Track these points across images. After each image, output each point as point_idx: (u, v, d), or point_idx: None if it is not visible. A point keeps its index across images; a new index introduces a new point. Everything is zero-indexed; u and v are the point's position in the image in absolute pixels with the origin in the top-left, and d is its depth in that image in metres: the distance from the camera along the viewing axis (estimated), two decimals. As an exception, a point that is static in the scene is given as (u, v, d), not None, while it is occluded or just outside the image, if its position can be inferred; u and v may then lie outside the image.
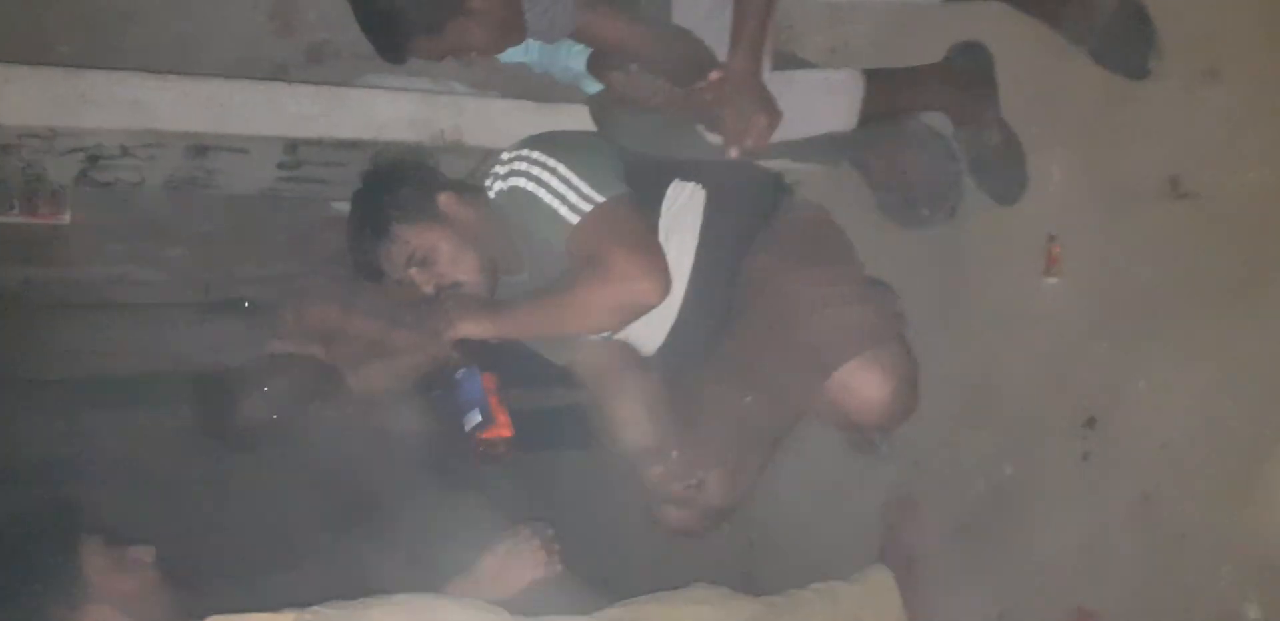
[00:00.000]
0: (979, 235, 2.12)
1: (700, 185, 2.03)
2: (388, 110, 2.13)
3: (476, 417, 1.94)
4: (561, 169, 1.88)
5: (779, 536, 2.74)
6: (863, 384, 1.85)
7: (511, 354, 2.35)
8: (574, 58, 2.03)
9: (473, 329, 1.91)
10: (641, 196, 1.96)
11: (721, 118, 1.65)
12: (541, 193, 1.88)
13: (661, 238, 1.98)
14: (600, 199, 1.86)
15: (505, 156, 1.97)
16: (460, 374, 1.95)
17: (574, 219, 1.86)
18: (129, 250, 3.50)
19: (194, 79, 2.04)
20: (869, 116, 1.91)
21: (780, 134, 1.73)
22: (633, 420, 2.24)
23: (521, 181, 1.90)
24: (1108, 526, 1.87)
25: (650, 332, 2.11)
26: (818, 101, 1.86)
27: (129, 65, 2.07)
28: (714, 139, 1.81)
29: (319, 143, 2.12)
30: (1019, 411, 2.06)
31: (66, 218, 3.05)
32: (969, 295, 2.15)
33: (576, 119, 2.19)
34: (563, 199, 1.87)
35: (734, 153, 1.66)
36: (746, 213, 2.03)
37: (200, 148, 2.11)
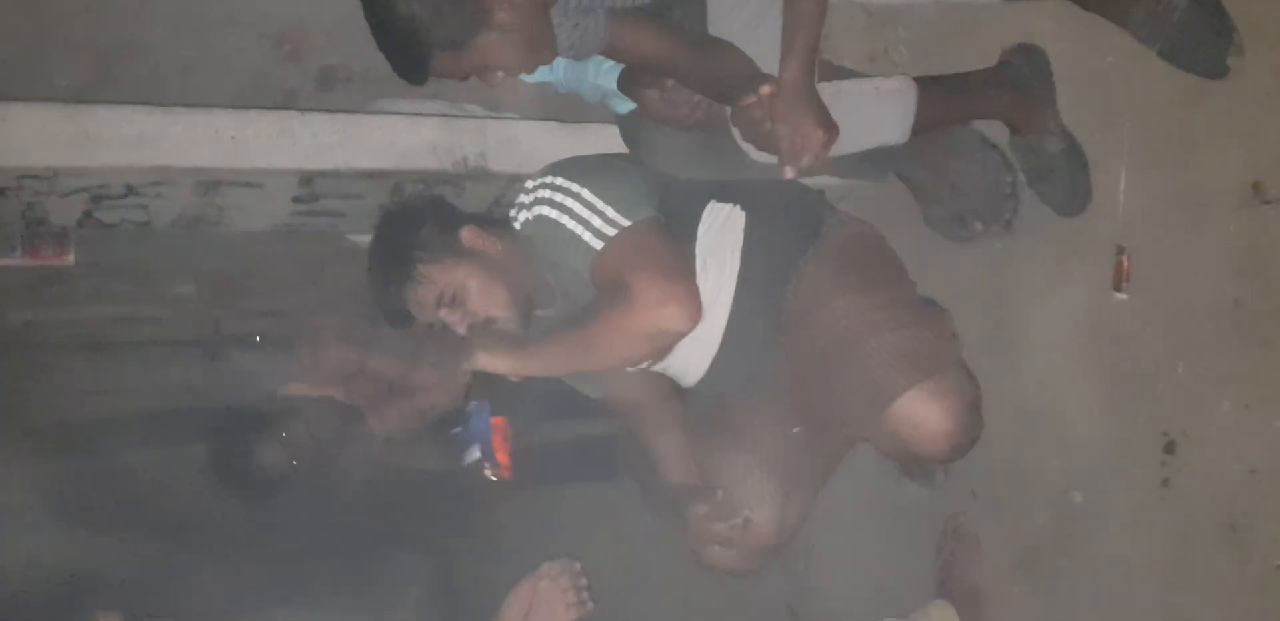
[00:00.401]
0: (1040, 249, 2.00)
1: (739, 206, 1.95)
2: (408, 137, 2.04)
3: (475, 454, 1.86)
4: (585, 194, 1.81)
5: (825, 571, 2.63)
6: (924, 415, 1.76)
7: (541, 386, 2.26)
8: (603, 75, 1.93)
9: (490, 362, 1.82)
10: (675, 220, 1.88)
11: (774, 135, 1.54)
12: (565, 219, 1.81)
13: (699, 263, 1.90)
14: (625, 223, 1.79)
15: (530, 185, 1.91)
16: (471, 407, 1.87)
17: (598, 244, 1.79)
18: (135, 289, 3.42)
19: (201, 111, 1.95)
20: (921, 127, 1.81)
21: (831, 150, 1.61)
22: (673, 456, 2.14)
23: (545, 209, 1.83)
24: (1191, 560, 1.76)
25: (692, 364, 2.01)
26: (869, 113, 1.75)
27: (132, 97, 1.99)
28: (760, 158, 1.70)
29: (336, 174, 2.03)
30: (1088, 436, 1.94)
31: (71, 258, 2.96)
32: (1030, 313, 2.04)
33: (606, 140, 2.11)
34: (586, 224, 1.80)
35: (789, 173, 1.55)
36: (791, 234, 1.95)
37: (210, 184, 2.01)
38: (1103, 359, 1.90)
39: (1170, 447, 1.79)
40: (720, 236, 1.93)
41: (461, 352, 1.84)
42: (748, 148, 1.70)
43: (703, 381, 2.04)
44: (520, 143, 2.11)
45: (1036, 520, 2.03)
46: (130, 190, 1.99)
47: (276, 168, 1.98)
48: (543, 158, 2.10)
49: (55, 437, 4.01)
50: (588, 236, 1.79)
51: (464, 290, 1.88)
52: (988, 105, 1.89)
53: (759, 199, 1.96)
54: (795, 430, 2.08)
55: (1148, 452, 1.81)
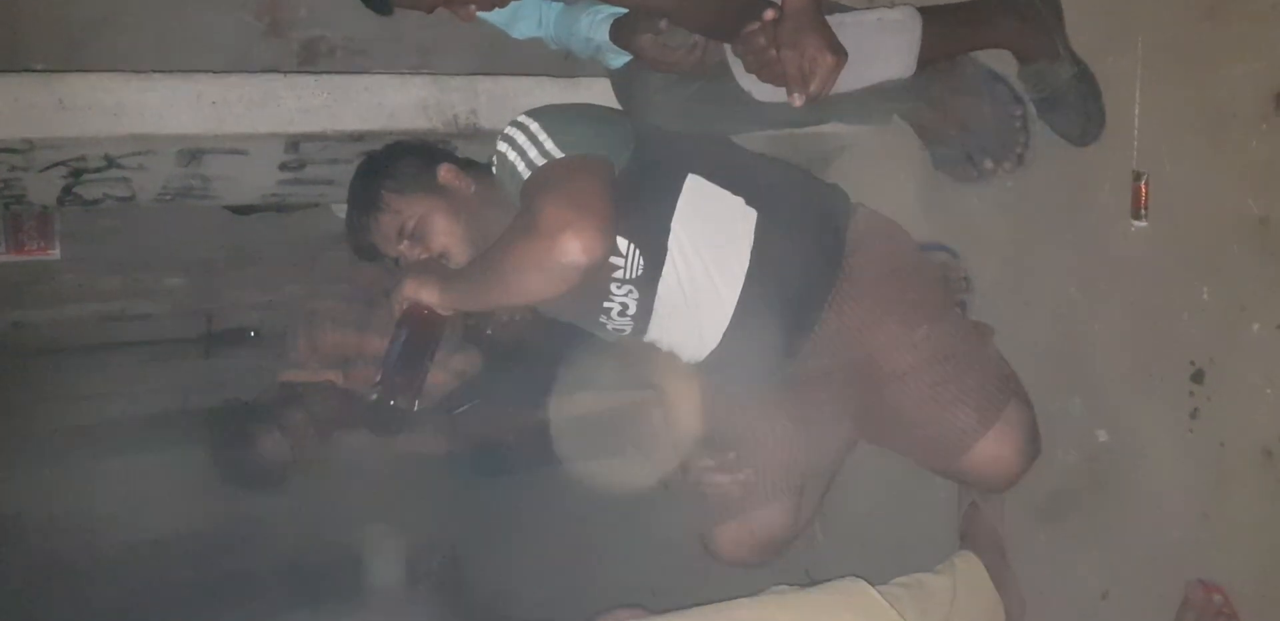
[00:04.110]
0: (1054, 182, 1.95)
1: (745, 202, 1.84)
2: (396, 97, 1.98)
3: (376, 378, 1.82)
4: (534, 127, 1.76)
5: (843, 533, 2.58)
6: (997, 461, 1.85)
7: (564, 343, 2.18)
8: (595, 27, 1.86)
9: (416, 289, 1.78)
10: (650, 186, 1.80)
11: (779, 62, 1.48)
12: (509, 151, 1.77)
13: (672, 239, 1.80)
14: (558, 155, 1.72)
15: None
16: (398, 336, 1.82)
17: (526, 173, 1.74)
18: (125, 283, 3.37)
19: (181, 76, 1.88)
20: (928, 59, 1.75)
21: (837, 85, 1.55)
22: (685, 406, 2.09)
23: (499, 145, 1.80)
24: (1226, 489, 1.72)
25: (686, 349, 1.95)
26: (874, 45, 1.69)
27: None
28: (763, 95, 1.65)
29: (323, 137, 1.96)
30: (1112, 371, 1.90)
31: (57, 252, 2.91)
32: (1047, 248, 1.99)
33: (600, 95, 2.05)
34: (522, 154, 1.75)
35: (798, 101, 1.49)
36: (814, 243, 1.87)
37: (194, 152, 1.95)
38: (1123, 290, 1.86)
39: (1198, 376, 1.74)
40: (717, 225, 1.83)
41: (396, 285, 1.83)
42: (750, 84, 1.64)
43: (699, 366, 1.98)
44: (512, 99, 2.05)
45: (1061, 462, 1.98)
46: (110, 162, 1.93)
47: (261, 132, 1.91)
48: (536, 114, 2.06)
49: (52, 444, 3.96)
50: (520, 166, 1.74)
51: (425, 224, 1.84)
52: (994, 33, 1.84)
53: (769, 196, 1.86)
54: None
55: (1175, 383, 1.77)
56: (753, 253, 1.82)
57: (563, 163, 1.72)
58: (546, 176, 1.71)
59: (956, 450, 1.83)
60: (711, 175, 1.84)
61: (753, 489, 2.00)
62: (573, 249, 1.59)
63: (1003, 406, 1.84)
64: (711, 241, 1.82)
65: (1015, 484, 1.91)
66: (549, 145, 1.74)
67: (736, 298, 1.83)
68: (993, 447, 1.83)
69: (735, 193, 1.84)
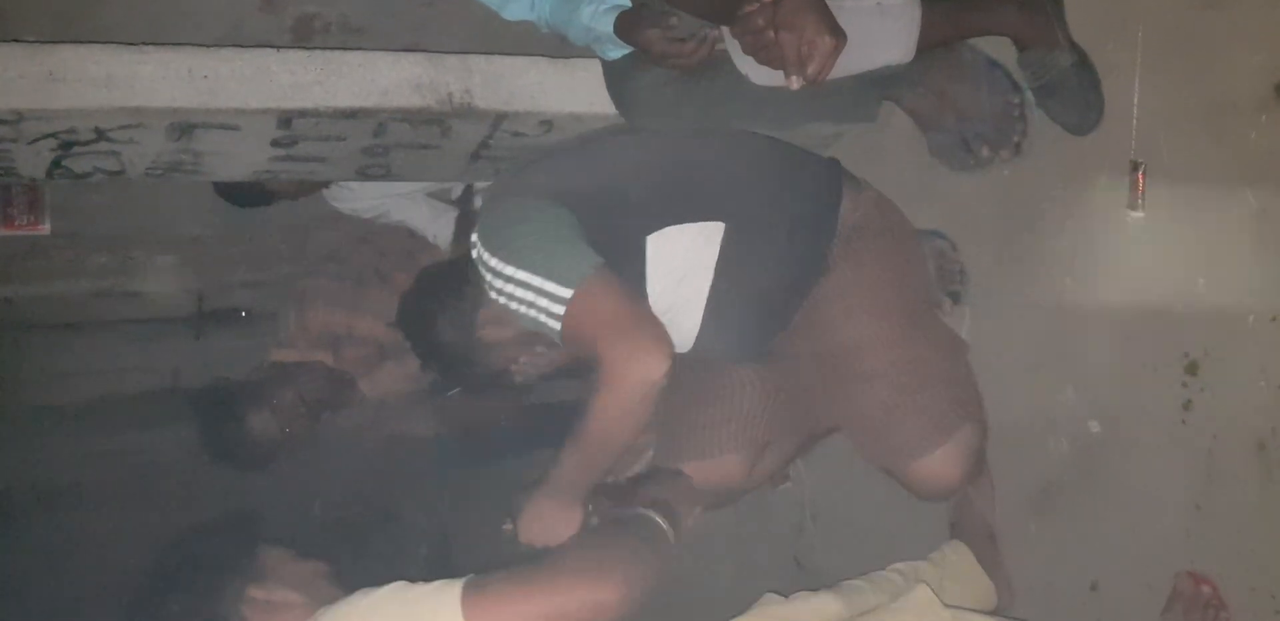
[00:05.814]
0: (1051, 171, 1.94)
1: (710, 219, 1.80)
2: (389, 74, 1.96)
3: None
4: (521, 275, 1.68)
5: (832, 522, 2.58)
6: (939, 476, 1.87)
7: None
8: (598, 18, 1.83)
9: (559, 526, 1.76)
10: (613, 258, 1.73)
11: (777, 43, 1.46)
12: (514, 305, 1.69)
13: (656, 296, 1.79)
14: (568, 294, 1.65)
15: (472, 239, 1.78)
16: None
17: (556, 325, 1.67)
18: (115, 260, 3.35)
19: (172, 49, 1.87)
20: (927, 44, 1.74)
21: (835, 69, 1.53)
22: None
23: (493, 294, 1.73)
24: (1217, 481, 1.71)
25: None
26: (873, 31, 1.67)
27: (99, 44, 1.90)
28: (761, 79, 1.63)
29: (316, 113, 1.94)
30: (1105, 362, 1.89)
31: (46, 228, 2.89)
32: (1043, 238, 1.98)
33: (594, 76, 2.03)
34: (533, 306, 1.68)
35: (795, 83, 1.47)
36: (783, 239, 1.83)
37: (184, 126, 1.93)
38: (1119, 281, 1.85)
39: (1192, 367, 1.73)
40: (683, 258, 1.81)
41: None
42: (747, 67, 1.62)
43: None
44: (507, 78, 2.03)
45: (1052, 453, 1.98)
46: (100, 135, 1.91)
47: (253, 107, 1.90)
48: (530, 94, 2.04)
49: (39, 422, 3.94)
50: (543, 318, 1.67)
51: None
52: (994, 19, 1.82)
53: (739, 201, 1.82)
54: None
55: (1168, 375, 1.76)
56: (718, 265, 1.81)
57: (579, 299, 1.64)
58: (579, 321, 1.65)
59: (902, 458, 1.87)
60: (667, 219, 1.80)
61: (715, 435, 1.99)
62: (653, 368, 1.60)
63: (956, 428, 1.86)
64: (675, 274, 1.81)
65: (946, 499, 1.97)
66: (549, 287, 1.66)
67: (701, 310, 1.84)
68: (935, 465, 1.85)
69: (696, 218, 1.80)
